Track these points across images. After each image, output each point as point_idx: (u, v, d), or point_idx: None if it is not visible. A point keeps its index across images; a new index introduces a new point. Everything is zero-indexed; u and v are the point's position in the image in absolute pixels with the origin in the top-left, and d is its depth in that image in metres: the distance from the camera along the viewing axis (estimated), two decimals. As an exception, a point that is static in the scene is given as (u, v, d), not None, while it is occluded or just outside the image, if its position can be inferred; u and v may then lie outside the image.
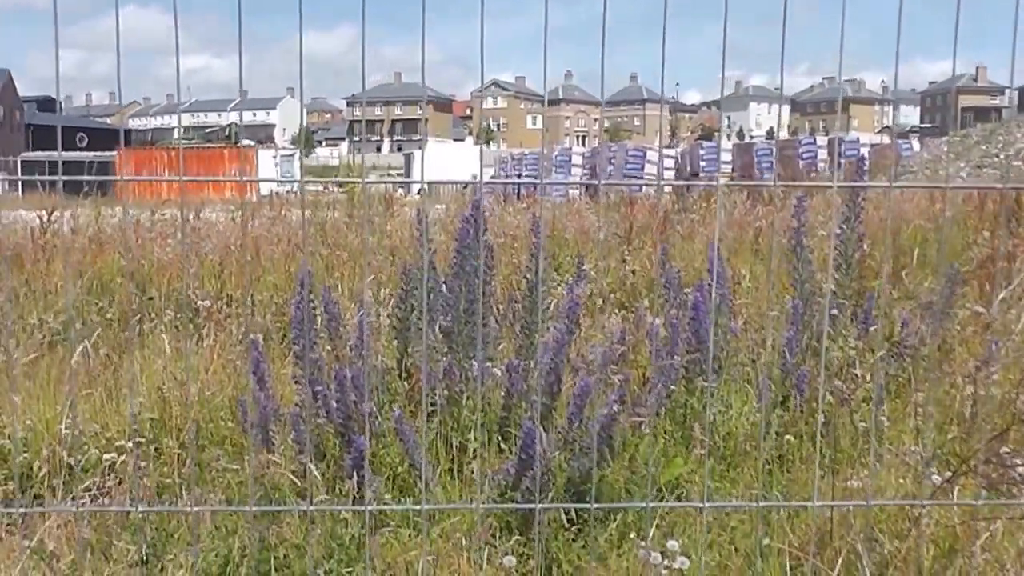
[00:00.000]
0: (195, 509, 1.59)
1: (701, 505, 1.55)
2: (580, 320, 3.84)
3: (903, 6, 1.72)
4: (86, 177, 1.84)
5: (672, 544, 2.67)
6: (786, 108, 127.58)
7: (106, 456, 3.37)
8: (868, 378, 4.17)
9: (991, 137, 25.49)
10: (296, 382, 3.71)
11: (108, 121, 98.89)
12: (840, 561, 2.79)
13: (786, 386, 4.25)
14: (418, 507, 1.68)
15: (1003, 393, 3.97)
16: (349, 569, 2.97)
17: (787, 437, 3.94)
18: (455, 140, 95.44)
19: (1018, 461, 2.78)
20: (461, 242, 3.99)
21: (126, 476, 3.36)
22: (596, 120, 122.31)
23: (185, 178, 1.53)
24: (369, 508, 1.63)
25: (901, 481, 3.17)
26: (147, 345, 4.89)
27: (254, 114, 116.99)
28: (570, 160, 27.12)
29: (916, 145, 31.49)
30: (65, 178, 1.79)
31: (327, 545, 2.97)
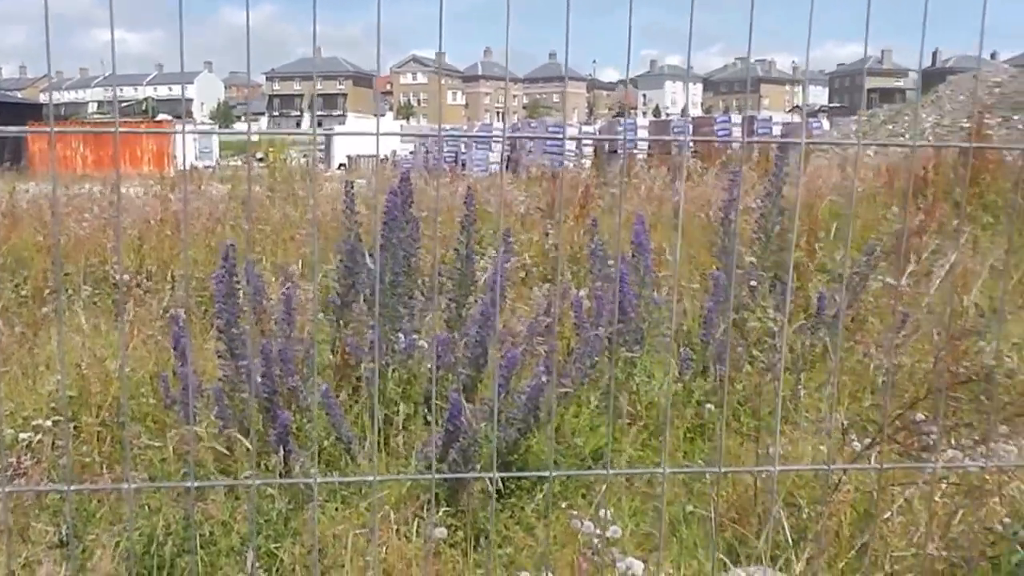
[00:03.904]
0: (132, 486, 1.54)
1: (662, 472, 1.57)
2: (506, 292, 3.86)
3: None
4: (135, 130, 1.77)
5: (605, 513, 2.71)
6: (700, 86, 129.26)
7: (22, 436, 3.27)
8: (786, 348, 4.29)
9: (897, 117, 26.28)
10: (219, 357, 3.65)
11: (19, 95, 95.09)
12: (763, 526, 2.87)
13: (706, 356, 4.33)
14: (369, 478, 1.65)
15: (913, 362, 4.12)
16: (276, 544, 2.94)
17: (708, 406, 4.02)
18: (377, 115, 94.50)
19: (933, 428, 2.89)
20: (389, 215, 3.96)
21: (44, 455, 3.26)
22: (516, 96, 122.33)
23: (122, 130, 1.47)
24: (317, 481, 1.60)
25: (821, 448, 3.27)
26: (64, 321, 4.77)
27: (170, 88, 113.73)
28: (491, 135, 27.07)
29: (826, 124, 32.25)
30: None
31: (254, 521, 2.94)
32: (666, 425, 1.74)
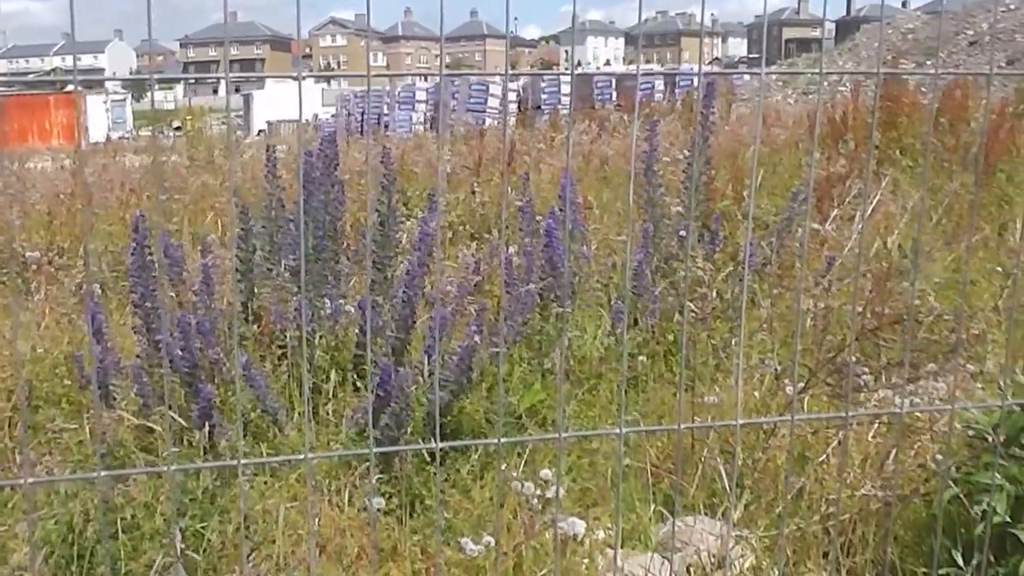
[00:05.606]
0: (30, 481, 1.43)
1: (617, 432, 1.52)
2: (434, 252, 3.77)
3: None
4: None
5: (546, 473, 2.68)
6: (622, 41, 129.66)
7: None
8: (715, 296, 4.29)
9: (815, 66, 26.66)
10: (135, 332, 3.51)
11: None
12: (699, 475, 2.86)
13: (638, 308, 4.31)
14: (300, 457, 1.56)
15: (840, 304, 4.14)
16: (203, 524, 2.83)
17: (640, 358, 4.00)
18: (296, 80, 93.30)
19: (867, 370, 2.90)
20: (307, 177, 3.83)
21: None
22: (437, 56, 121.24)
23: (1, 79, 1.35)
24: (243, 463, 1.51)
25: (755, 394, 3.26)
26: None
27: (80, 58, 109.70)
28: (414, 96, 26.70)
29: (746, 75, 32.62)
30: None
31: (178, 500, 2.83)
32: (622, 385, 1.67)
